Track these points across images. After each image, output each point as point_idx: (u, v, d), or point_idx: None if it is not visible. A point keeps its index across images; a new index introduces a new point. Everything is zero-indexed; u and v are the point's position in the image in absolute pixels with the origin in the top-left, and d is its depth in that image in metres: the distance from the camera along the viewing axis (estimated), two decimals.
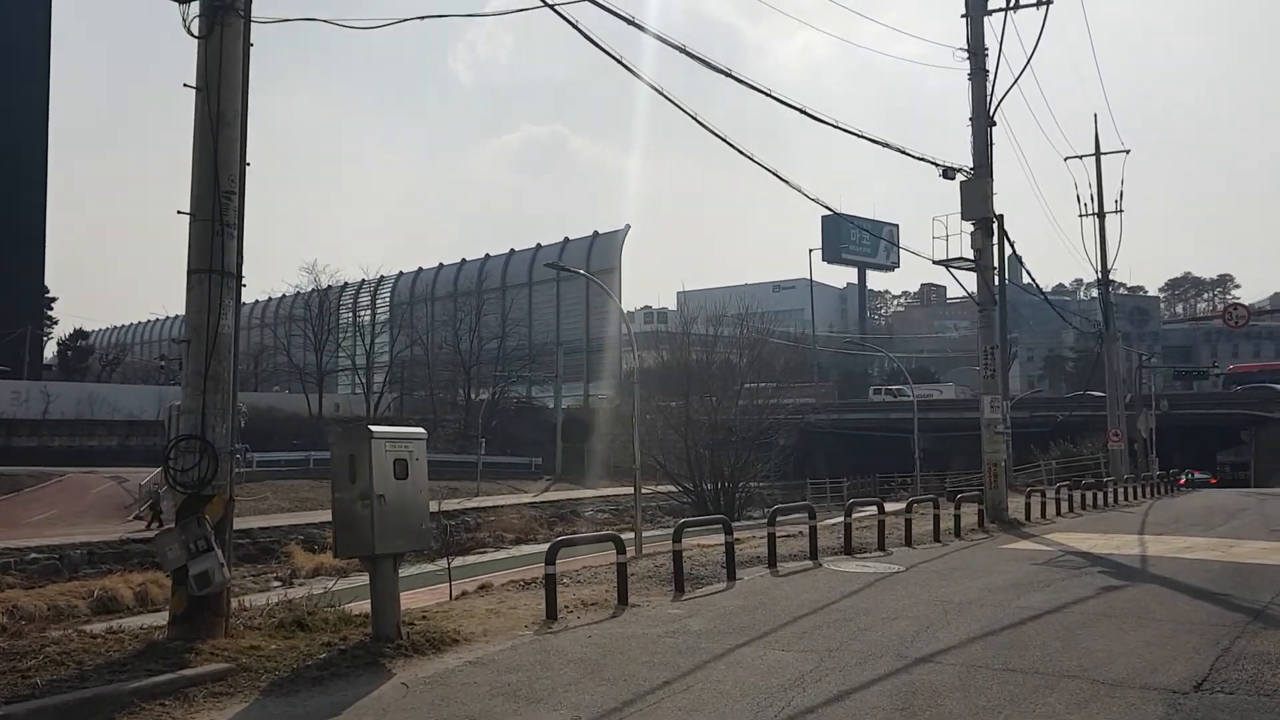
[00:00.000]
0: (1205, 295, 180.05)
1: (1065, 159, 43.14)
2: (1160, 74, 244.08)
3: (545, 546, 28.85)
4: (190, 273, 8.34)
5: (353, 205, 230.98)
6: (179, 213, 8.30)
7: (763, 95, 14.40)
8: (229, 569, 8.38)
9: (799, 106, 15.61)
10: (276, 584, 31.61)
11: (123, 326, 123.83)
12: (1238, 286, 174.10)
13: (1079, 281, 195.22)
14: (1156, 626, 9.21)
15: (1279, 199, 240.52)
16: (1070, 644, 8.47)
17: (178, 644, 7.89)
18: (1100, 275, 41.32)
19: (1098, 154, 42.08)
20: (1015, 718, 6.36)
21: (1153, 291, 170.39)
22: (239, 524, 37.44)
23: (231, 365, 8.54)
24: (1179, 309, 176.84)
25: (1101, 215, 41.10)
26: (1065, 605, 10.37)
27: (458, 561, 23.84)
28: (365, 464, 8.31)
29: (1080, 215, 40.88)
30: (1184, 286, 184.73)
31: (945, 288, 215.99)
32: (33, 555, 31.08)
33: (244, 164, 8.59)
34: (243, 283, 8.66)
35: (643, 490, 45.87)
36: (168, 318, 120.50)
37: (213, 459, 8.30)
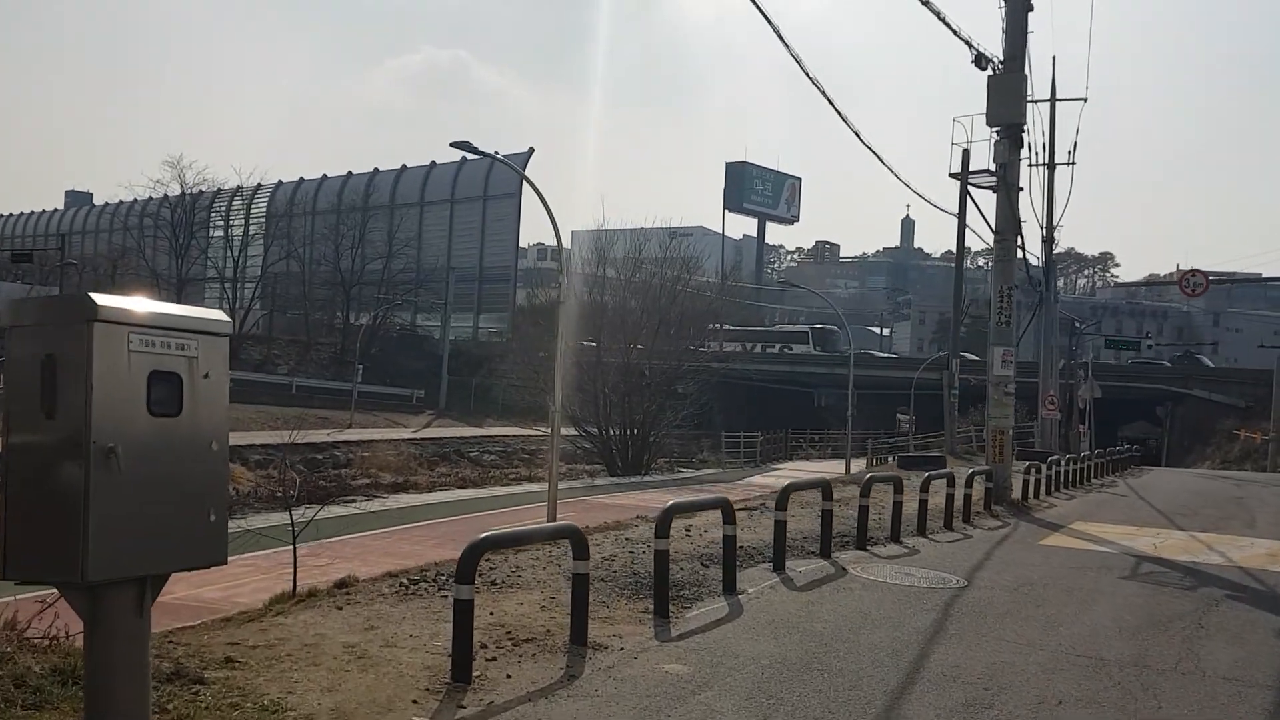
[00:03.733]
0: (1086, 272, 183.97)
1: None
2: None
3: (429, 498, 24.06)
4: None
5: (230, 110, 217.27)
6: None
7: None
8: None
9: None
10: None
11: None
12: (1118, 265, 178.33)
13: (968, 249, 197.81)
14: None
15: (1155, 184, 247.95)
16: None
17: None
18: (1045, 230, 38.28)
19: (1053, 100, 38.83)
20: None
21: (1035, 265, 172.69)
22: None
23: None
24: (1060, 283, 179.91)
25: (1052, 166, 37.93)
26: None
27: (307, 516, 19.04)
28: (80, 377, 3.70)
29: (1030, 165, 37.64)
30: (1066, 262, 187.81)
31: (839, 245, 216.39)
32: None
33: None
34: None
35: (539, 432, 41.70)
36: (37, 212, 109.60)
37: None
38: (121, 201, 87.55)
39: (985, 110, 15.69)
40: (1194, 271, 33.63)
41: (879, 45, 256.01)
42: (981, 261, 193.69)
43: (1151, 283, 51.34)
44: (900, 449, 43.58)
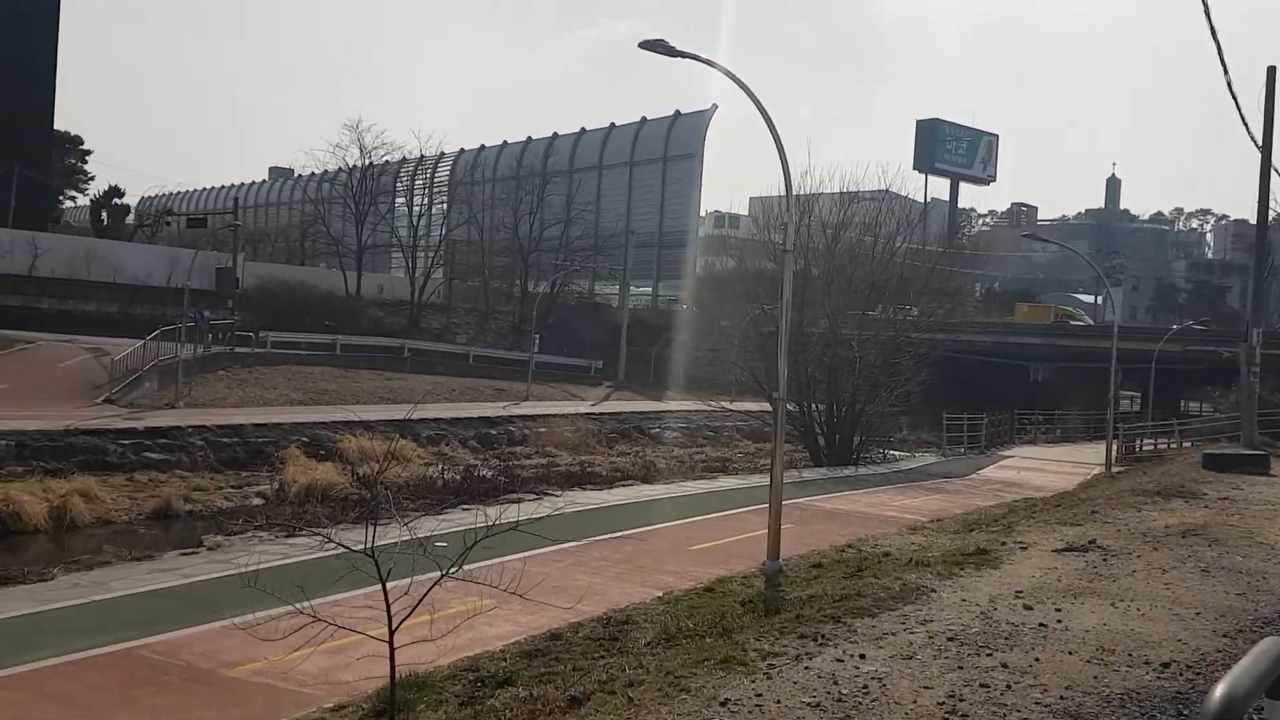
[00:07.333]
0: None
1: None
2: None
3: (611, 497, 19.99)
4: None
5: (411, 87, 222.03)
6: None
7: None
8: None
9: None
10: (257, 500, 24.08)
11: (192, 192, 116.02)
12: None
13: (1179, 210, 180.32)
14: None
15: None
16: None
17: None
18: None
19: None
20: None
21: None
22: (227, 418, 29.92)
23: None
24: None
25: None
26: None
27: (460, 522, 15.42)
28: None
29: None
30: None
31: (1036, 208, 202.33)
32: None
33: None
34: None
35: (715, 406, 37.72)
36: (236, 185, 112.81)
37: None
38: (314, 173, 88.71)
39: None
40: None
41: None
42: (1195, 224, 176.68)
43: None
44: (1137, 433, 37.33)
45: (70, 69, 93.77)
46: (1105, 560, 9.52)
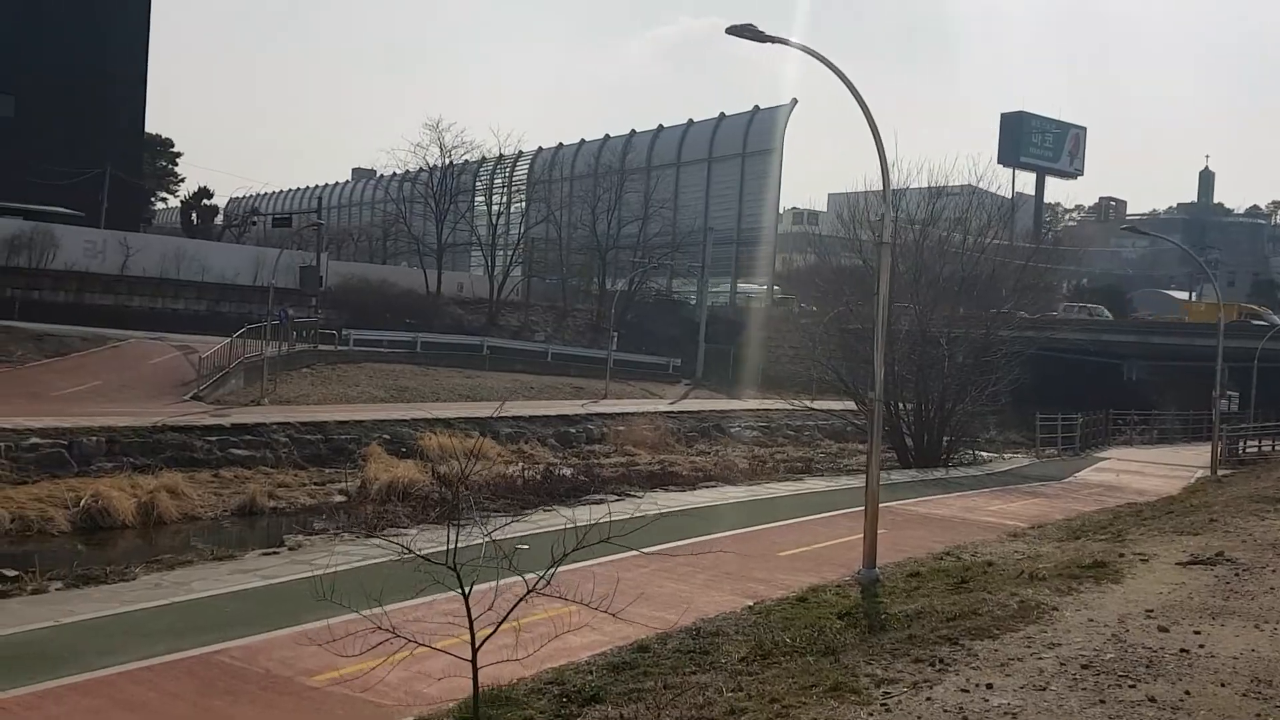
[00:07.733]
0: None
1: None
2: None
3: (693, 499, 19.28)
4: None
5: (489, 88, 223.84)
6: None
7: None
8: None
9: None
10: (340, 498, 24.15)
11: (278, 192, 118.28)
12: None
13: (1276, 204, 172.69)
14: None
15: None
16: None
17: None
18: None
19: None
20: None
21: None
22: (311, 415, 30.10)
23: None
24: None
25: None
26: None
27: (541, 524, 15.07)
28: None
29: None
30: None
31: (1125, 202, 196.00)
32: (33, 440, 23.80)
33: None
34: None
35: (797, 404, 36.97)
36: (320, 185, 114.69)
37: None
38: (395, 173, 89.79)
39: None
40: None
41: None
42: None
43: None
44: (1241, 435, 35.61)
45: (161, 74, 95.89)
46: (1238, 575, 8.76)
